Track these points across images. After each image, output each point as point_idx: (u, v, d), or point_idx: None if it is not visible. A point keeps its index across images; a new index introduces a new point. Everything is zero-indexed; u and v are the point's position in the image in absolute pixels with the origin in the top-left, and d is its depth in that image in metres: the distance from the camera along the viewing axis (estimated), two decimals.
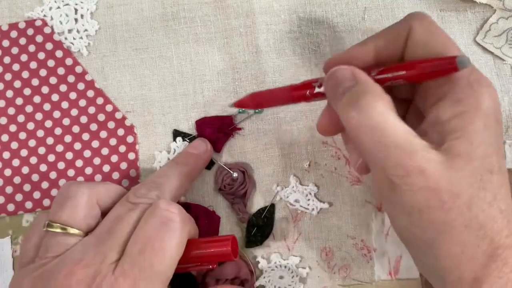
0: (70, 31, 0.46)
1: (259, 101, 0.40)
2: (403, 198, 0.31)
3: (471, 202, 0.30)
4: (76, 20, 0.46)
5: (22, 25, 0.46)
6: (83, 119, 0.45)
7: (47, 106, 0.45)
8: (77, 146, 0.45)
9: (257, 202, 0.44)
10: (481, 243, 0.30)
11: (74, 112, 0.45)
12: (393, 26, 0.35)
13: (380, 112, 0.31)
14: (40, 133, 0.44)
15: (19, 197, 0.44)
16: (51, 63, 0.45)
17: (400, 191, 0.31)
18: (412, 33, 0.34)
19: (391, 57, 0.35)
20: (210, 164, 0.44)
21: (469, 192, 0.30)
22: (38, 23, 0.46)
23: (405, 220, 0.32)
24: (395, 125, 0.31)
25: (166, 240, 0.35)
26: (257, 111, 0.44)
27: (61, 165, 0.44)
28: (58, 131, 0.45)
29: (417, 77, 0.32)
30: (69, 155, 0.45)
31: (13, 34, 0.46)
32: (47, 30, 0.46)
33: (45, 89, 0.45)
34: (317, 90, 0.36)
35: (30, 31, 0.46)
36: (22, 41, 0.46)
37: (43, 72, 0.45)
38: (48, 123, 0.45)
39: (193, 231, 0.38)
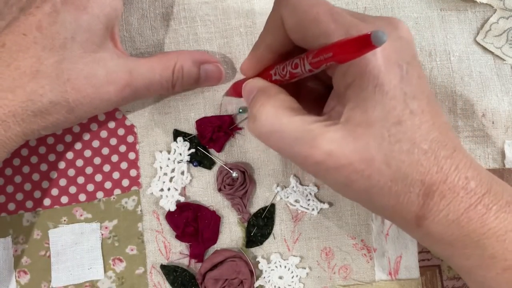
0: None
1: (238, 89, 0.40)
2: (328, 181, 0.34)
3: (387, 159, 0.31)
4: None
5: None
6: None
7: None
8: (78, 145, 0.45)
9: (257, 202, 0.44)
10: (412, 189, 0.31)
11: None
12: (268, 21, 0.36)
13: (271, 115, 0.33)
14: None
15: (19, 196, 0.44)
16: None
17: (321, 176, 0.34)
18: (283, 21, 0.34)
19: (285, 45, 0.36)
20: (210, 164, 0.44)
21: (381, 152, 0.31)
22: None
23: (340, 192, 0.35)
24: (288, 121, 0.33)
25: None
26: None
27: (61, 165, 0.45)
28: (58, 130, 0.45)
29: (339, 59, 0.31)
30: (69, 155, 0.45)
31: None
32: None
33: None
34: (274, 78, 0.37)
35: None
36: None
37: None
38: None
39: None
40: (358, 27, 0.31)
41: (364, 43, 0.27)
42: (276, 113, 0.33)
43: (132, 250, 0.44)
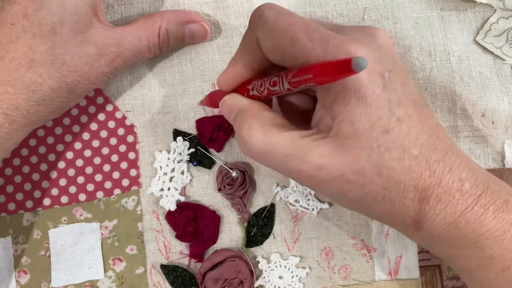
0: None
1: (214, 100, 0.40)
2: (324, 192, 0.35)
3: (378, 168, 0.31)
4: None
5: None
6: (84, 119, 0.45)
7: None
8: (78, 145, 0.45)
9: (257, 202, 0.44)
10: (406, 194, 0.31)
11: (75, 111, 0.45)
12: (244, 41, 0.37)
13: (260, 136, 0.33)
14: (41, 132, 0.45)
15: (19, 196, 0.44)
16: None
17: (316, 188, 0.34)
18: (260, 42, 0.34)
19: (262, 64, 0.36)
20: (210, 164, 0.44)
21: (371, 162, 0.31)
22: None
23: (336, 201, 0.36)
24: (278, 139, 0.33)
25: None
26: None
27: (61, 165, 0.45)
28: (58, 130, 0.45)
29: (318, 81, 0.31)
30: (69, 155, 0.45)
31: None
32: None
33: None
34: (251, 93, 0.37)
35: None
36: None
37: None
38: (49, 123, 0.45)
39: None
40: (334, 41, 0.31)
41: (344, 68, 0.27)
42: (264, 133, 0.33)
43: (132, 250, 0.44)
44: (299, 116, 0.38)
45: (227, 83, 0.39)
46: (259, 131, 0.33)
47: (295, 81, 0.32)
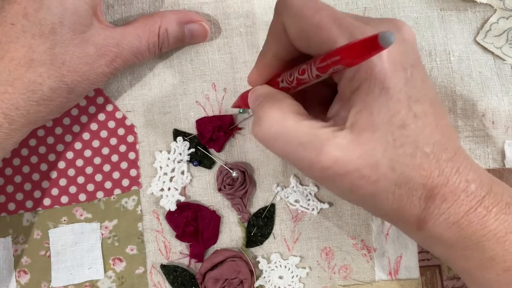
0: None
1: (245, 99, 0.40)
2: (333, 187, 0.33)
3: (392, 163, 0.31)
4: None
5: None
6: (84, 119, 0.45)
7: None
8: (78, 145, 0.45)
9: (258, 202, 0.44)
10: (415, 192, 0.31)
11: (75, 111, 0.45)
12: (271, 29, 0.36)
13: (278, 118, 0.32)
14: (41, 132, 0.45)
15: (19, 196, 0.44)
16: None
17: (326, 182, 0.33)
18: (286, 29, 0.34)
19: (291, 52, 0.35)
20: (210, 164, 0.44)
21: (386, 156, 0.31)
22: None
23: (343, 197, 0.35)
24: (295, 126, 0.32)
25: None
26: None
27: (61, 165, 0.45)
28: (58, 130, 0.45)
29: (347, 62, 0.30)
30: (69, 155, 0.45)
31: None
32: None
33: None
34: (281, 85, 0.36)
35: None
36: None
37: None
38: (49, 123, 0.45)
39: None
40: (362, 30, 0.31)
41: (372, 45, 0.27)
42: (282, 116, 0.32)
43: (132, 250, 0.44)
44: (318, 109, 0.37)
45: (257, 78, 0.38)
46: (277, 114, 0.33)
47: (323, 66, 0.31)
